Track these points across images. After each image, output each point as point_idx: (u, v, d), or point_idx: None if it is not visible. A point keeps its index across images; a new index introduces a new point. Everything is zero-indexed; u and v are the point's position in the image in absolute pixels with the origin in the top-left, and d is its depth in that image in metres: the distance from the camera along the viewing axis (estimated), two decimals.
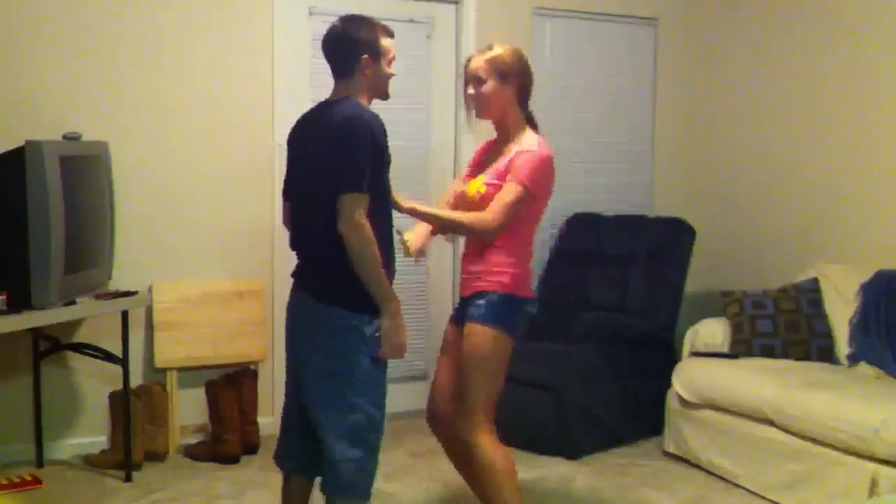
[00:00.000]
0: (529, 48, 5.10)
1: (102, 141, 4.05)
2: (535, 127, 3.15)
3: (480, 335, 3.03)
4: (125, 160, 4.19)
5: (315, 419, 2.78)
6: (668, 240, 4.91)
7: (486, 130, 3.32)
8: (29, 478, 3.87)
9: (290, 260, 4.69)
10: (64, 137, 3.78)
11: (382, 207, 2.77)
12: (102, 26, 4.19)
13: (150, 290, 4.29)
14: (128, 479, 3.91)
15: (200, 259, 4.44)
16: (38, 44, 4.08)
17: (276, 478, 4.01)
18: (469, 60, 3.12)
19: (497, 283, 3.03)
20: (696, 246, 4.91)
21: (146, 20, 4.27)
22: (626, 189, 5.46)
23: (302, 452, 2.90)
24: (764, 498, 3.78)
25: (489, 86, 3.05)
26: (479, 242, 3.07)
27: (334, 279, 2.72)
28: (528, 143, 3.05)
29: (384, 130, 2.73)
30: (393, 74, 2.88)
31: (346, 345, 2.72)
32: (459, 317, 3.17)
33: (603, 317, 4.70)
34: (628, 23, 5.39)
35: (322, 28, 4.85)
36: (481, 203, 3.02)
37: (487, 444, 3.06)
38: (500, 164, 3.05)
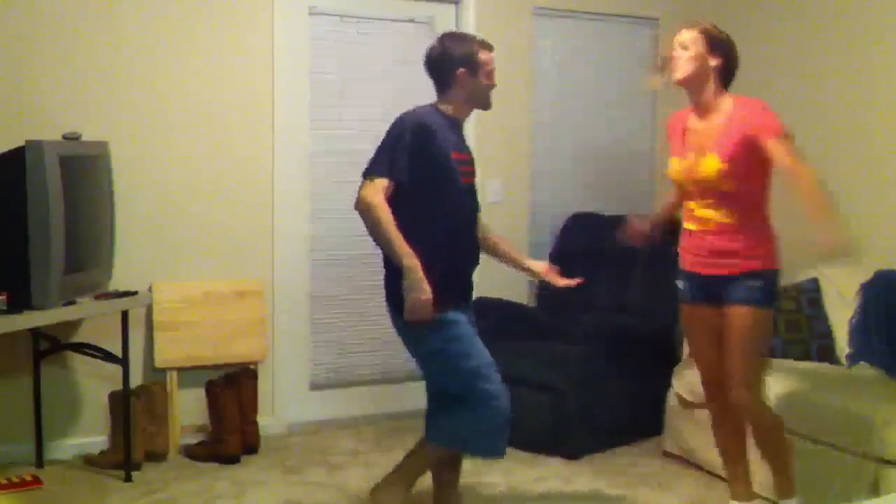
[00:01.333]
0: (529, 48, 5.11)
1: (102, 141, 4.05)
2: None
3: (761, 318, 3.21)
4: (125, 160, 4.19)
5: None
6: (668, 240, 4.90)
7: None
8: (29, 478, 3.87)
9: (291, 260, 4.72)
10: (64, 137, 3.78)
11: (425, 205, 3.00)
12: (102, 26, 4.19)
13: (150, 290, 4.29)
14: (128, 479, 3.91)
15: (200, 259, 4.44)
16: (38, 44, 4.08)
17: (276, 478, 4.02)
18: (680, 30, 3.24)
19: (761, 260, 3.20)
20: None
21: (146, 20, 4.27)
22: (626, 189, 5.45)
23: None
24: (764, 498, 3.77)
25: (693, 50, 3.15)
26: (738, 219, 3.16)
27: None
28: (736, 104, 3.15)
29: (426, 130, 2.98)
30: (493, 85, 3.14)
31: None
32: (712, 294, 3.25)
33: (603, 317, 4.70)
34: (628, 23, 5.39)
35: (322, 28, 4.90)
36: (723, 179, 3.10)
37: (767, 408, 3.35)
38: (728, 131, 3.11)
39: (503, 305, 4.92)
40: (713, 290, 3.26)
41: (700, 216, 3.24)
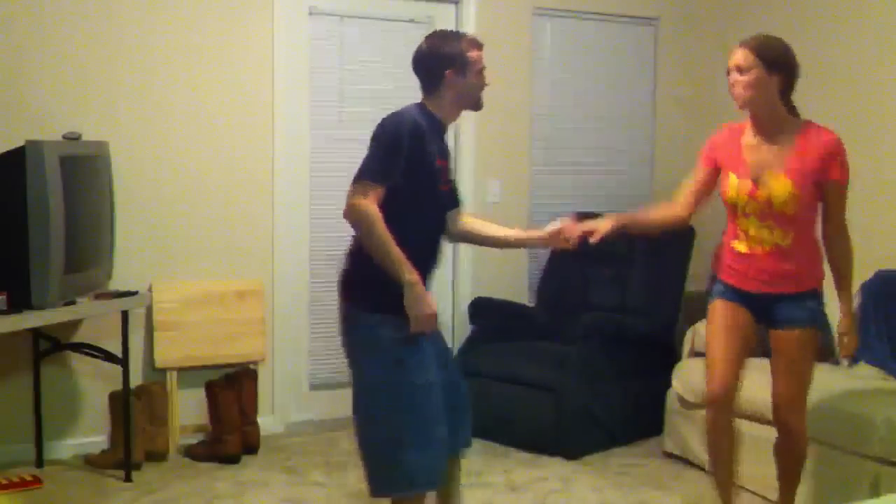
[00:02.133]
0: (529, 48, 5.11)
1: (102, 141, 4.05)
2: (797, 115, 3.15)
3: (814, 338, 3.19)
4: (125, 160, 4.19)
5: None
6: (668, 240, 4.90)
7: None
8: (29, 478, 3.86)
9: (291, 260, 4.72)
10: (64, 137, 3.78)
11: (404, 209, 2.77)
12: (102, 26, 4.19)
13: (150, 290, 4.29)
14: (128, 479, 3.91)
15: (200, 259, 4.44)
16: (39, 44, 4.08)
17: (276, 478, 4.02)
18: (735, 51, 3.09)
19: (816, 281, 3.20)
20: (695, 246, 4.91)
21: (146, 20, 4.26)
22: (626, 189, 5.45)
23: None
24: (764, 498, 3.77)
25: (751, 74, 3.02)
26: (793, 241, 3.12)
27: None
28: (819, 135, 3.06)
29: (420, 133, 2.78)
30: (484, 85, 2.96)
31: None
32: (756, 308, 3.20)
33: (603, 317, 4.69)
34: (628, 23, 5.38)
35: (322, 28, 4.89)
36: (791, 203, 3.03)
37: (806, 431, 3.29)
38: (800, 161, 3.03)
39: (503, 305, 4.93)
40: (758, 306, 3.19)
41: (756, 236, 3.13)
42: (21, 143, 3.46)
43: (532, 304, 5.10)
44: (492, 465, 4.19)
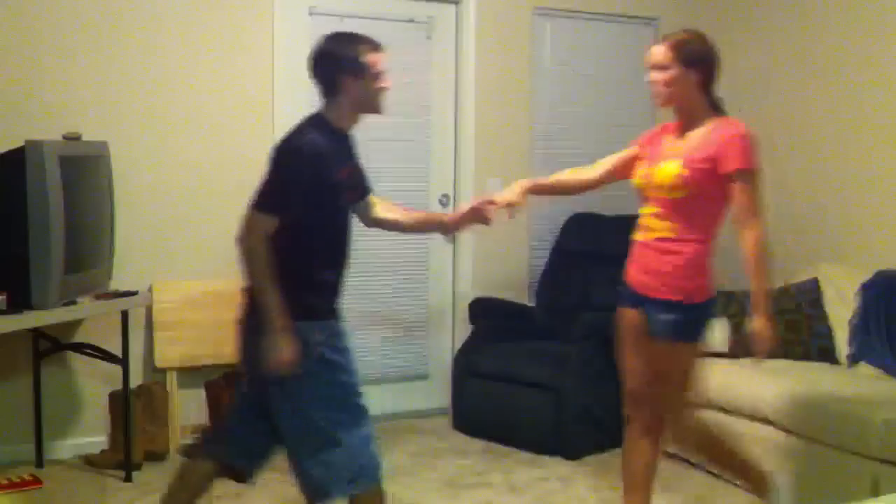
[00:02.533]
0: (529, 48, 5.11)
1: (102, 141, 4.05)
2: (721, 112, 3.09)
3: (680, 351, 3.09)
4: (125, 160, 4.19)
5: None
6: None
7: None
8: (29, 478, 3.87)
9: None
10: (64, 137, 3.78)
11: (317, 224, 2.77)
12: (103, 26, 4.19)
13: (150, 290, 4.29)
14: (128, 479, 3.92)
15: (200, 259, 4.44)
16: (38, 44, 4.08)
17: (275, 477, 4.02)
18: (653, 49, 3.05)
19: (684, 295, 3.02)
20: None
21: (146, 20, 4.27)
22: (626, 189, 5.42)
23: None
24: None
25: (671, 72, 2.98)
26: (679, 238, 3.02)
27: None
28: (724, 126, 2.99)
29: (321, 159, 2.70)
30: (383, 88, 2.83)
31: None
32: (640, 304, 3.14)
33: (603, 317, 4.67)
34: (628, 23, 5.38)
35: (323, 28, 4.88)
36: (676, 186, 2.96)
37: (697, 428, 3.30)
38: (697, 148, 2.97)
39: (503, 305, 4.93)
40: (641, 303, 3.13)
41: (646, 224, 3.10)
42: (21, 143, 3.46)
43: (532, 304, 5.10)
44: (492, 465, 4.19)
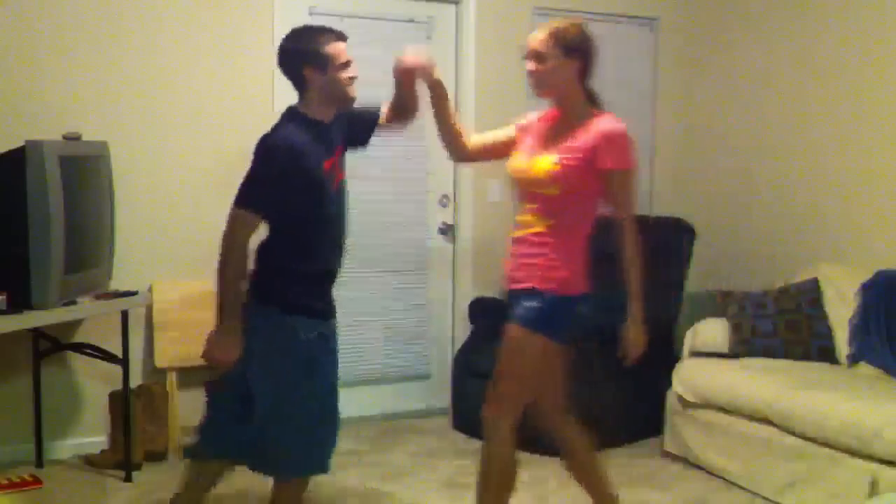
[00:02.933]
0: None
1: (102, 141, 4.05)
2: (598, 105, 3.04)
3: (532, 342, 3.02)
4: (125, 160, 4.19)
5: None
6: (668, 240, 4.91)
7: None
8: (29, 478, 3.87)
9: None
10: (64, 137, 3.78)
11: (304, 228, 2.82)
12: (102, 26, 4.19)
13: (150, 290, 4.29)
14: (128, 479, 3.92)
15: (200, 259, 4.42)
16: (38, 44, 4.08)
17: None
18: (531, 36, 2.97)
19: (549, 284, 2.98)
20: (696, 246, 4.91)
21: (146, 20, 4.27)
22: None
23: None
24: (764, 498, 3.78)
25: (551, 62, 2.91)
26: (551, 235, 2.96)
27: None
28: (603, 122, 2.94)
29: (296, 154, 2.75)
30: (348, 79, 2.85)
31: None
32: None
33: (603, 317, 4.69)
34: (628, 23, 5.39)
35: None
36: (550, 182, 2.89)
37: (509, 445, 3.08)
38: (573, 142, 2.90)
39: (503, 305, 4.91)
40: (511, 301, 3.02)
41: (520, 220, 3.01)
42: (21, 143, 3.46)
43: None
44: None
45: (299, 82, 2.85)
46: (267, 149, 2.79)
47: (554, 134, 2.99)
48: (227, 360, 2.80)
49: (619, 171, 2.91)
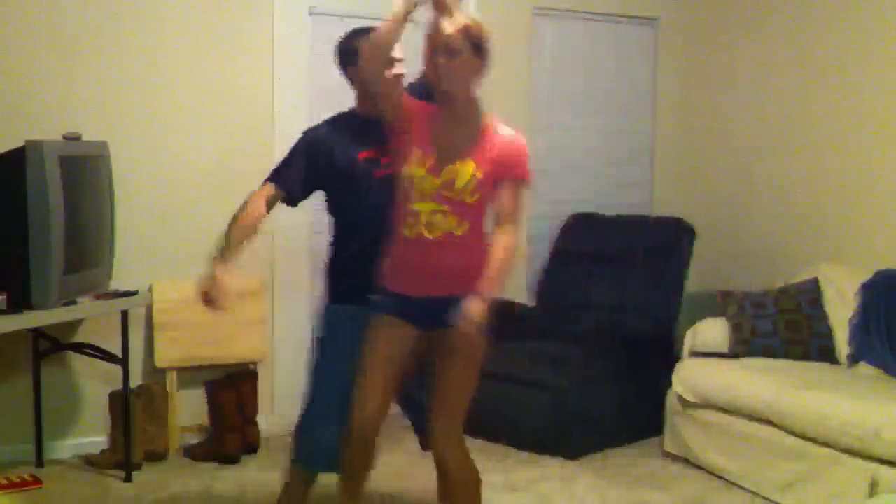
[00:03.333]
0: (529, 48, 5.11)
1: (102, 141, 4.05)
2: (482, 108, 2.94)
3: (485, 347, 2.86)
4: (125, 160, 4.19)
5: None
6: (668, 240, 4.91)
7: None
8: (29, 478, 3.87)
9: (291, 260, 4.72)
10: (64, 137, 3.78)
11: (343, 216, 3.09)
12: (102, 26, 4.19)
13: (150, 290, 4.29)
14: (128, 479, 3.91)
15: (200, 259, 4.41)
16: (38, 44, 4.08)
17: (275, 478, 4.02)
18: (438, 27, 2.86)
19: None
20: (696, 246, 4.91)
21: (146, 20, 4.26)
22: (626, 189, 5.46)
23: None
24: (764, 498, 3.78)
25: (462, 58, 2.80)
26: (469, 233, 2.82)
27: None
28: (507, 130, 2.87)
29: (317, 146, 3.04)
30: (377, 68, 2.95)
31: None
32: (432, 317, 2.81)
33: (603, 317, 4.70)
34: (628, 23, 5.39)
35: (322, 28, 4.89)
36: (474, 191, 2.77)
37: (470, 458, 3.11)
38: (484, 151, 2.80)
39: (503, 305, 4.91)
40: (426, 313, 2.83)
41: (428, 221, 2.78)
42: (21, 143, 3.46)
43: (532, 304, 5.10)
44: (492, 465, 4.18)
45: (347, 80, 3.09)
46: (300, 139, 3.11)
47: (450, 134, 2.85)
48: (208, 299, 3.03)
49: (524, 183, 2.89)
